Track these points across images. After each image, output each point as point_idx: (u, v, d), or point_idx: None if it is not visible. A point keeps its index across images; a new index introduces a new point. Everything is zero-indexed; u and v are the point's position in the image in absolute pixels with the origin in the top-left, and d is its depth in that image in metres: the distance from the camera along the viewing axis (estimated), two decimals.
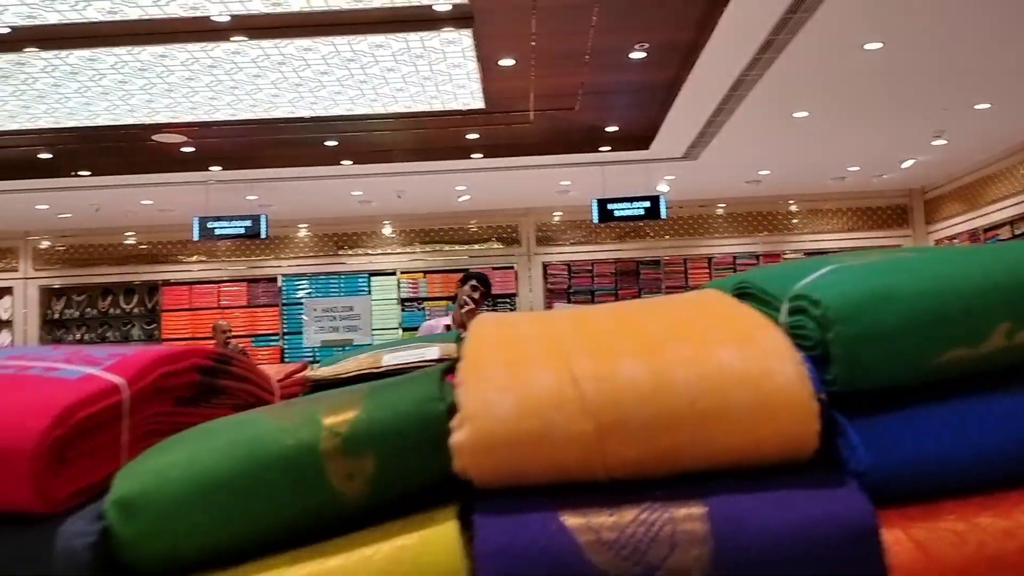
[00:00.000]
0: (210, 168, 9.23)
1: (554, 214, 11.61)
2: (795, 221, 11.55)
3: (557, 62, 6.89)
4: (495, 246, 11.62)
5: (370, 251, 11.66)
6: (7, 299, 11.40)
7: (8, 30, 5.80)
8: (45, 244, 11.48)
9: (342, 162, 9.33)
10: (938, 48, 6.36)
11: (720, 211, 11.53)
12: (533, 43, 6.49)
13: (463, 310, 4.70)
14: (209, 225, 9.46)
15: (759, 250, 11.38)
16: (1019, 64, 6.71)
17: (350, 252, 11.65)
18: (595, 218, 9.57)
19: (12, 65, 6.35)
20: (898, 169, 9.97)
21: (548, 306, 11.32)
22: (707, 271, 11.35)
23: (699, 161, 9.45)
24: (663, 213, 9.50)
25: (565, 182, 10.24)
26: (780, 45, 6.39)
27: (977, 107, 7.80)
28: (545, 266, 11.51)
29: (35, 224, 11.16)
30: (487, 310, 5.75)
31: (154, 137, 8.23)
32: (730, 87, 7.28)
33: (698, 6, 6.02)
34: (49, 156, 8.66)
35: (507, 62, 6.84)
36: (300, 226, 11.62)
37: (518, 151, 9.15)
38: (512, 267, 11.46)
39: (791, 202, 11.54)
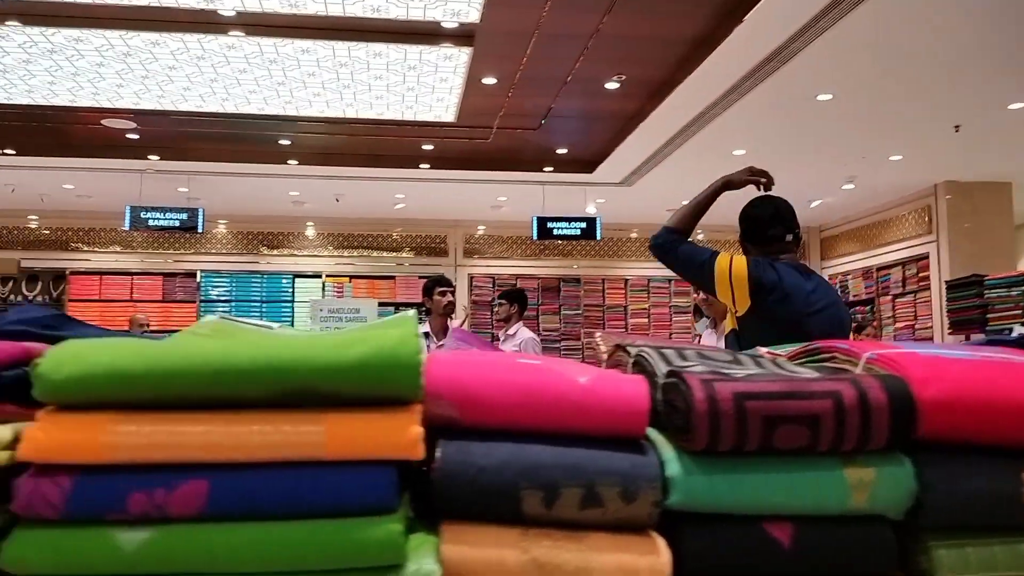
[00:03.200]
0: (148, 157, 8.92)
1: (478, 227, 11.88)
2: None
3: (537, 84, 7.21)
4: (423, 256, 11.76)
5: (296, 252, 11.51)
6: None
7: None
8: None
9: (288, 161, 9.25)
10: (881, 100, 7.12)
11: (635, 235, 12.16)
12: (522, 66, 6.78)
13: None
14: (143, 215, 9.13)
15: (672, 275, 12.06)
16: (932, 121, 7.59)
17: (274, 252, 11.47)
18: (534, 235, 9.92)
19: None
20: (806, 208, 10.91)
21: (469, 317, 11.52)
22: (623, 291, 11.94)
23: (632, 187, 10.01)
24: (599, 234, 9.97)
25: (502, 197, 10.55)
26: (745, 90, 6.99)
27: (892, 158, 8.73)
28: (471, 278, 11.75)
29: None
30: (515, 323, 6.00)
31: (103, 122, 7.91)
32: (687, 123, 7.84)
33: (683, 47, 6.51)
34: None
35: (490, 80, 7.10)
36: (220, 222, 11.33)
37: (467, 165, 9.39)
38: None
39: (699, 232, 12.32)
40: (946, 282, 5.83)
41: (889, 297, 10.58)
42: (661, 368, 0.88)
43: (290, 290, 11.32)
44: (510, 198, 10.52)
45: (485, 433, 0.71)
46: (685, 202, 2.76)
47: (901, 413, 0.75)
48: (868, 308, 10.94)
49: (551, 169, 9.56)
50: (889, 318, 10.52)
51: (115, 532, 0.65)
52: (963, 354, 0.94)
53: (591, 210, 10.70)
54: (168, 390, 0.68)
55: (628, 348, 0.97)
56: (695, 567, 0.74)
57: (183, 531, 0.67)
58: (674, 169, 9.18)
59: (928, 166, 9.03)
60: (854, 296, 11.27)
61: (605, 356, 1.11)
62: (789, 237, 2.60)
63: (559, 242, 11.42)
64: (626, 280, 12.01)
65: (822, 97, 7.09)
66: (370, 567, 0.67)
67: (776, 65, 6.46)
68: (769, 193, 2.75)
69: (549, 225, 9.90)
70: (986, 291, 5.34)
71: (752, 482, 0.76)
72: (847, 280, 11.43)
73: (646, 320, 11.85)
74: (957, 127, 7.67)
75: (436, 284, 5.31)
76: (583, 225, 9.93)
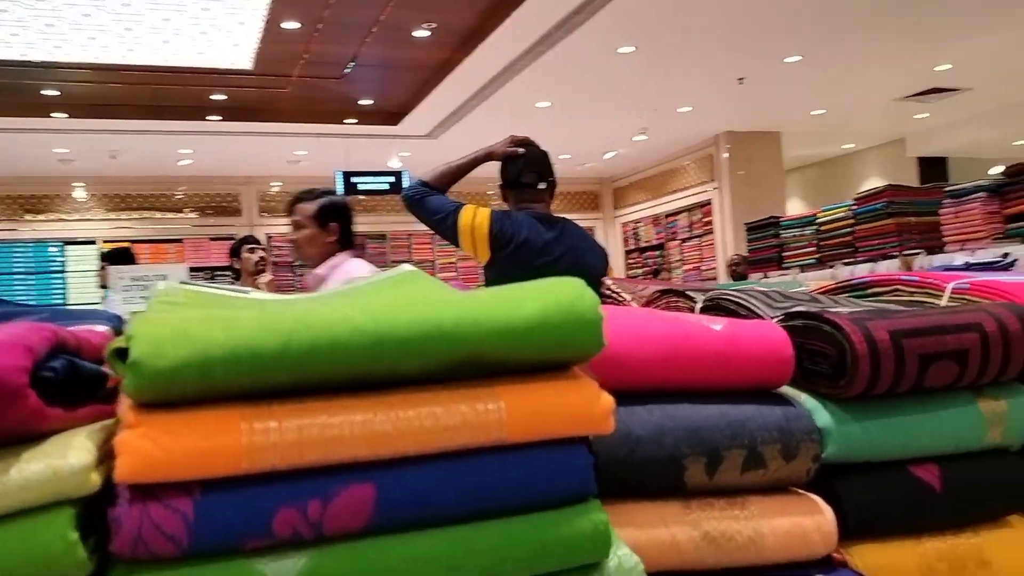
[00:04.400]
0: None
1: (273, 184, 11.28)
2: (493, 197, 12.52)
3: (342, 31, 6.85)
4: (213, 216, 11.00)
5: (65, 217, 10.34)
6: None
7: None
8: None
9: (54, 114, 8.22)
10: (675, 53, 7.45)
11: None
12: (326, 11, 6.41)
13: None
14: None
15: None
16: (721, 73, 8.09)
17: (39, 217, 10.24)
18: (340, 190, 9.55)
19: None
20: (600, 160, 11.32)
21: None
22: (430, 246, 11.87)
23: (438, 140, 9.88)
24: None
25: (301, 151, 10.05)
26: (553, 41, 7.05)
27: (681, 110, 9.22)
28: (269, 237, 11.15)
29: None
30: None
31: None
32: (495, 75, 7.80)
33: None
34: None
35: (292, 25, 6.66)
36: None
37: (263, 116, 8.82)
38: (232, 238, 10.92)
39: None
40: (746, 224, 6.25)
41: (677, 242, 11.27)
42: (767, 311, 0.81)
43: (61, 259, 10.17)
44: (310, 152, 10.04)
45: (629, 396, 0.60)
46: (447, 162, 2.79)
47: None
48: (658, 253, 11.61)
49: (354, 121, 9.20)
50: (678, 261, 11.22)
51: (259, 563, 0.48)
52: (1013, 278, 0.95)
53: (395, 164, 10.45)
54: (311, 371, 0.51)
55: (688, 294, 0.89)
56: (858, 522, 0.68)
57: (348, 551, 0.50)
58: (481, 122, 9.15)
59: (712, 117, 9.62)
60: (645, 242, 11.91)
61: (638, 302, 1.02)
62: (542, 185, 2.68)
63: (362, 197, 11.09)
64: (433, 235, 11.90)
65: (623, 50, 7.30)
66: (576, 567, 0.55)
67: (583, 17, 6.55)
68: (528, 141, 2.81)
69: (355, 180, 9.57)
70: (782, 231, 5.76)
71: (900, 425, 0.71)
72: (638, 228, 12.05)
73: (455, 274, 11.86)
74: (741, 79, 8.20)
75: (243, 243, 5.06)
76: (391, 179, 9.69)
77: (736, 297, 0.87)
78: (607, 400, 0.55)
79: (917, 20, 7.00)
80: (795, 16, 6.68)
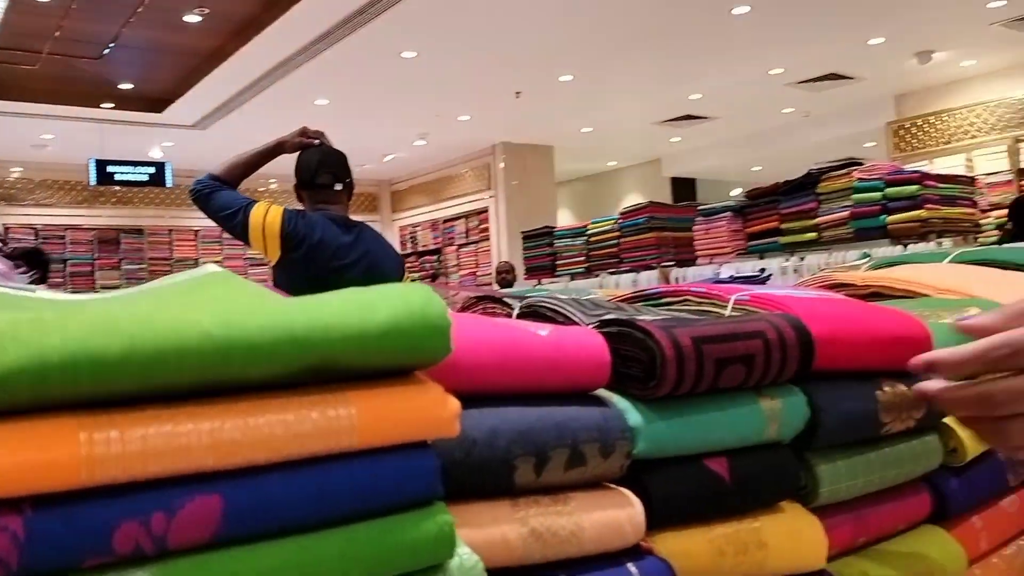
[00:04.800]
0: None
1: (13, 169, 10.15)
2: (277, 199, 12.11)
3: (102, 7, 6.34)
4: None
5: None
6: None
7: None
8: None
9: None
10: (457, 62, 7.59)
11: None
12: None
13: None
14: None
15: None
16: (500, 86, 8.36)
17: None
18: (92, 180, 8.80)
19: None
20: (379, 162, 11.27)
21: None
22: (193, 243, 11.21)
23: (206, 132, 9.38)
24: (169, 181, 9.21)
25: (48, 135, 9.13)
26: (334, 39, 6.94)
27: (461, 118, 9.41)
28: (6, 229, 10.01)
29: None
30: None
31: None
32: (272, 67, 7.54)
33: None
34: None
35: None
36: None
37: (5, 95, 7.91)
38: None
39: (272, 181, 12.03)
40: (522, 233, 6.50)
41: (454, 247, 11.47)
42: (583, 318, 0.85)
43: None
44: (58, 136, 9.14)
45: (464, 400, 0.62)
46: (237, 154, 2.71)
47: (805, 348, 0.83)
48: (436, 257, 11.75)
49: (111, 106, 8.50)
50: (455, 266, 11.43)
51: None
52: (795, 293, 1.08)
53: (156, 154, 9.77)
54: (156, 377, 0.47)
55: (505, 300, 0.92)
56: (662, 512, 0.75)
57: (193, 565, 0.47)
58: (253, 116, 8.79)
59: (490, 128, 9.91)
60: (423, 246, 12.01)
61: (452, 309, 1.04)
62: (338, 186, 2.66)
63: (117, 189, 10.26)
64: (196, 231, 11.24)
65: (407, 55, 7.34)
66: (421, 569, 0.55)
67: (368, 17, 6.51)
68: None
69: (111, 169, 8.85)
70: (555, 240, 6.05)
71: (697, 423, 0.79)
72: (416, 231, 12.12)
73: None
74: (518, 93, 8.53)
75: None
76: (151, 170, 9.06)
77: (553, 304, 0.92)
78: (454, 404, 0.57)
79: (671, 53, 7.64)
80: (568, 38, 7.06)
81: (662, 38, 7.22)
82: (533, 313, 0.92)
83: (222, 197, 2.53)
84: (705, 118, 10.08)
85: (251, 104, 8.48)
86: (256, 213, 2.49)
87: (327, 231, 2.52)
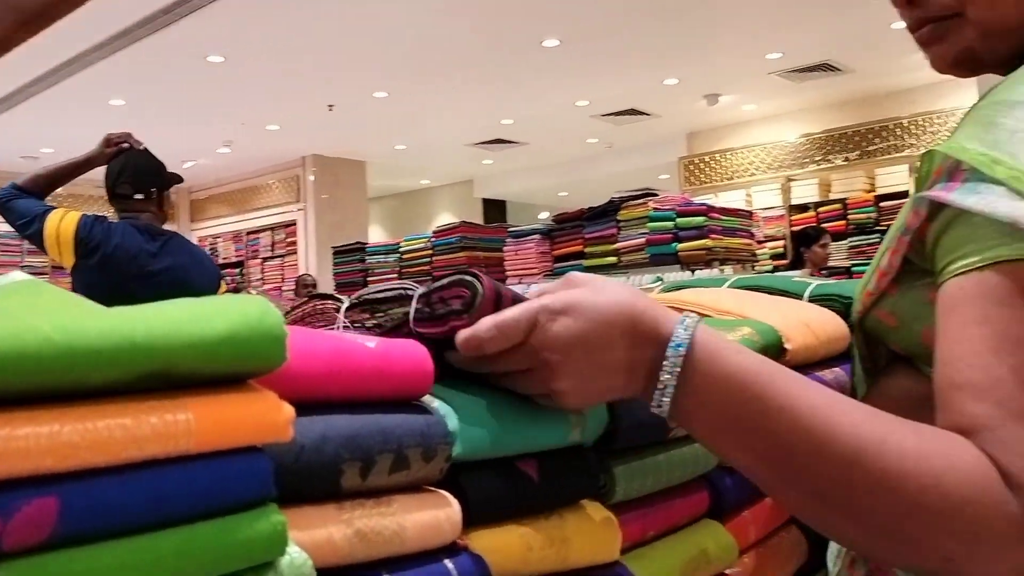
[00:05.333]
0: None
1: None
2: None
3: None
4: None
5: None
6: None
7: None
8: None
9: None
10: (267, 70, 7.41)
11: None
12: None
13: None
14: None
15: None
16: (312, 97, 8.24)
17: None
18: None
19: None
20: (180, 168, 10.67)
21: None
22: None
23: None
24: None
25: None
26: (135, 37, 6.58)
27: (269, 127, 9.16)
28: None
29: None
30: None
31: None
32: (62, 63, 7.03)
33: None
34: None
35: None
36: None
37: None
38: None
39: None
40: (333, 248, 6.42)
41: (259, 260, 11.10)
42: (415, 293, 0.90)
43: None
44: None
45: (295, 408, 0.66)
46: (45, 166, 2.77)
47: None
48: (238, 270, 11.32)
49: None
50: (259, 280, 11.05)
51: None
52: None
53: None
54: None
55: (335, 296, 0.95)
56: (478, 512, 0.81)
57: (30, 567, 0.46)
58: (39, 113, 8.15)
59: (301, 139, 9.72)
60: (224, 259, 11.52)
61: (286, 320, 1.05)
62: (139, 196, 2.68)
63: None
64: None
65: (212, 59, 7.09)
66: (252, 566, 0.56)
67: (173, 18, 6.24)
68: (139, 148, 2.80)
69: None
70: (368, 256, 6.04)
71: (511, 426, 0.86)
72: (217, 243, 11.62)
73: None
74: (331, 106, 8.44)
75: None
76: None
77: (383, 290, 0.96)
78: (288, 410, 0.60)
79: (484, 79, 7.88)
80: (385, 56, 7.10)
81: (477, 64, 7.44)
82: (364, 303, 0.96)
83: (21, 205, 2.54)
84: (516, 143, 10.43)
85: (37, 100, 7.83)
86: (52, 219, 2.51)
87: (128, 239, 2.53)
